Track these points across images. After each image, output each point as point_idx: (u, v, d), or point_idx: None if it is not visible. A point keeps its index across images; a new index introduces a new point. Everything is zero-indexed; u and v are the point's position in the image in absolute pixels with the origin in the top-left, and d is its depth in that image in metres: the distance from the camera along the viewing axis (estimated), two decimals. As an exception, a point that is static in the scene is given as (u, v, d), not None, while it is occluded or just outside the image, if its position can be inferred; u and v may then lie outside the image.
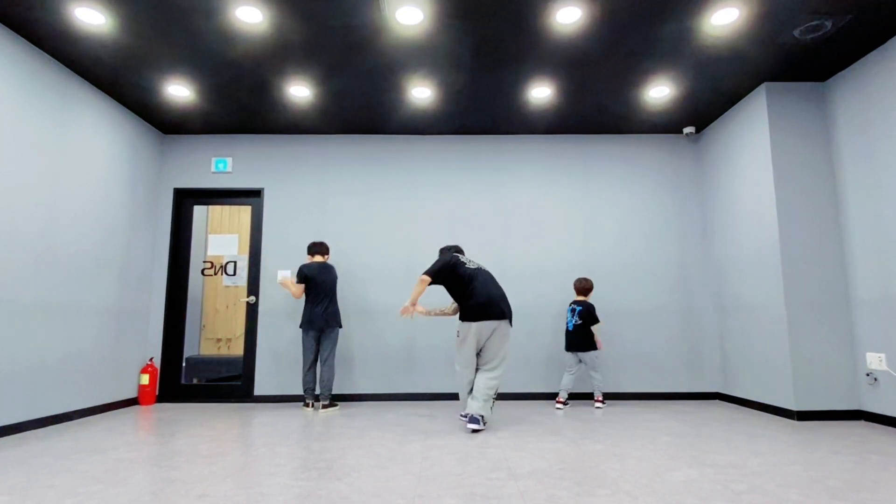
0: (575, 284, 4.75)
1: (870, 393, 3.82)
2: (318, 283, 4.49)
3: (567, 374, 4.60)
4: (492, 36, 3.58)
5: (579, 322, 4.55)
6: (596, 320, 4.58)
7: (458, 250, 4.14)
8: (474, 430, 3.58)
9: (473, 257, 5.18)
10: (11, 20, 3.39)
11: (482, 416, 3.59)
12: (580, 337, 4.53)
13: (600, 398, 4.55)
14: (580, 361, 4.61)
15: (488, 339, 3.73)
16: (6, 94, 3.47)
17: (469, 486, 2.34)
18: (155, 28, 3.47)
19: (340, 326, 4.58)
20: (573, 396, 4.98)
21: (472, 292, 3.77)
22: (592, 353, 4.55)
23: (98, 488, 2.33)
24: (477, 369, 3.82)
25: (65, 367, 3.97)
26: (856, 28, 3.50)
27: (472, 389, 3.77)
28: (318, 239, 5.18)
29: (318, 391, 4.89)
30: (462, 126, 5.14)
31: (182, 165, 5.27)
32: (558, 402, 4.53)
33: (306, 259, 5.11)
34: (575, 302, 4.66)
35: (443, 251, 4.15)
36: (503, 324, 3.74)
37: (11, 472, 2.61)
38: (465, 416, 3.90)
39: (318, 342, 4.53)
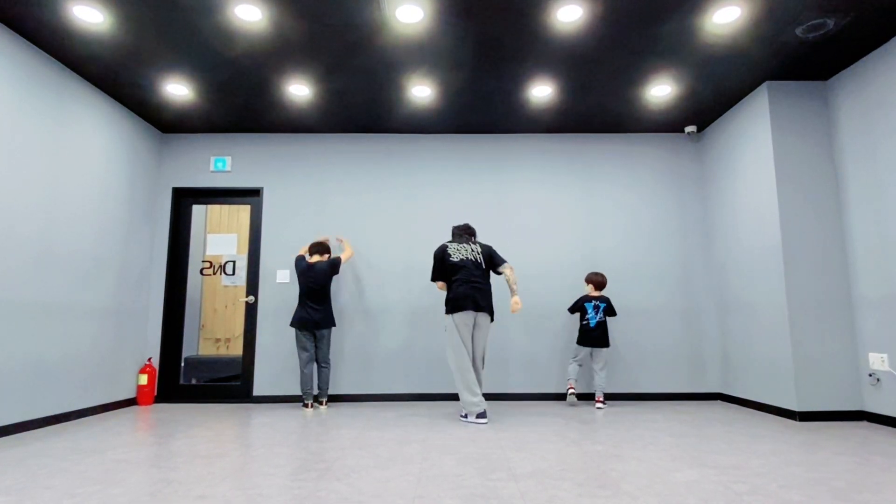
0: (593, 278, 4.75)
1: (872, 393, 3.80)
2: (302, 283, 4.55)
3: (575, 364, 4.64)
4: (492, 34, 3.56)
5: (603, 319, 4.61)
6: (614, 313, 4.71)
7: (465, 230, 4.23)
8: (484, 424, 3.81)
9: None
10: (9, 18, 3.37)
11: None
12: (602, 333, 4.60)
13: (601, 398, 4.54)
14: (590, 356, 4.65)
15: (473, 330, 3.93)
16: (4, 93, 3.45)
17: (469, 486, 2.33)
18: (153, 26, 3.45)
19: (334, 325, 4.62)
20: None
21: (451, 285, 3.99)
22: (609, 349, 4.64)
23: (96, 489, 2.31)
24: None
25: (63, 368, 3.95)
26: (858, 27, 3.48)
27: (480, 399, 3.86)
28: (317, 238, 5.16)
29: (316, 391, 4.86)
30: (462, 125, 5.13)
31: (181, 164, 5.25)
32: (570, 387, 4.59)
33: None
34: (596, 298, 4.68)
35: (452, 231, 4.30)
36: (480, 315, 3.92)
37: (9, 472, 2.59)
38: (465, 417, 3.90)
39: (314, 342, 4.54)
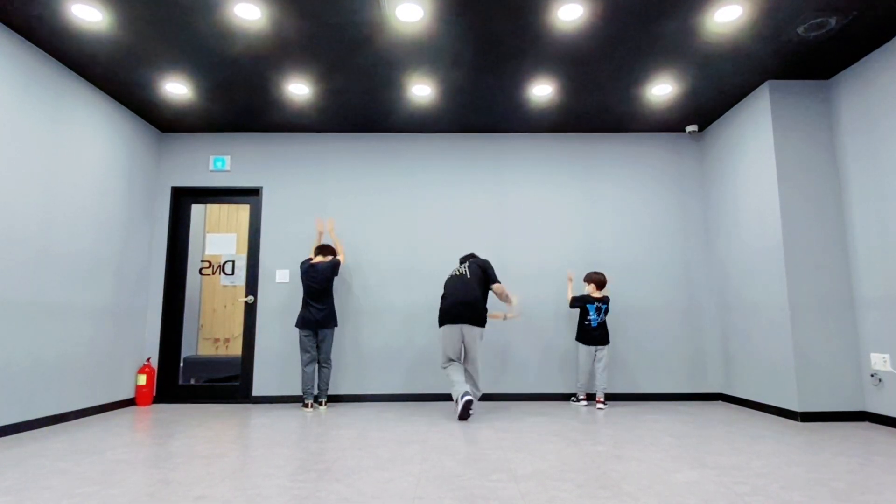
0: (595, 278, 4.75)
1: (874, 394, 3.79)
2: (304, 284, 4.58)
3: (584, 377, 4.69)
4: (492, 33, 3.55)
5: (603, 319, 4.67)
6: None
7: (466, 257, 4.49)
8: (469, 402, 3.88)
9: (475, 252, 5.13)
10: (7, 17, 3.36)
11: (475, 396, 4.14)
12: (604, 331, 4.65)
13: (602, 399, 4.53)
14: (594, 355, 4.67)
15: (463, 341, 4.12)
16: (2, 93, 3.44)
17: (469, 487, 2.31)
18: (152, 25, 3.44)
19: (336, 325, 4.64)
20: (568, 398, 4.95)
21: (442, 300, 4.23)
22: (609, 346, 4.71)
23: (94, 489, 2.30)
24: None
25: (61, 368, 3.93)
26: (860, 26, 3.47)
27: (460, 383, 4.02)
28: (316, 238, 5.15)
29: (316, 392, 4.85)
30: (463, 124, 5.11)
31: (180, 164, 5.24)
32: (583, 398, 4.72)
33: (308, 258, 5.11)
34: (598, 299, 4.69)
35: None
36: (466, 327, 4.09)
37: (7, 473, 2.58)
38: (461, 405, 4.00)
39: (316, 341, 4.55)
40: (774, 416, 4.10)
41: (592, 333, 4.63)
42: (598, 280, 4.73)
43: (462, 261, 4.47)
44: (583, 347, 4.67)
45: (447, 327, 4.11)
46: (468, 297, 4.10)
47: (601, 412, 4.32)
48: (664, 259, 5.14)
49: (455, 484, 2.37)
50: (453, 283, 4.20)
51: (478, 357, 4.14)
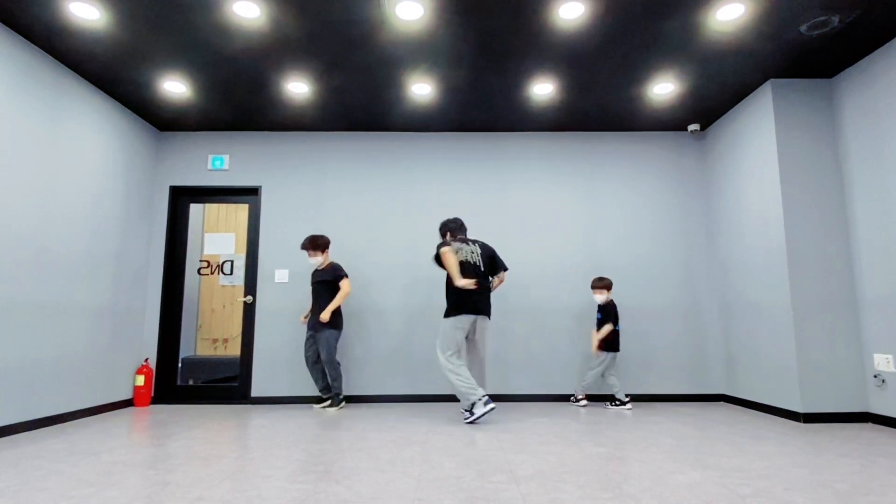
0: (610, 284, 4.69)
1: (877, 395, 3.77)
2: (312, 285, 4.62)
3: (593, 375, 4.63)
4: (493, 31, 3.52)
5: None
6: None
7: (462, 227, 4.27)
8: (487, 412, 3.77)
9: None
10: (4, 15, 3.34)
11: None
12: (611, 337, 4.62)
13: (624, 397, 4.57)
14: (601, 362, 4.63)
15: (472, 332, 4.04)
16: (-1, 90, 3.42)
17: (470, 489, 2.29)
18: (151, 23, 3.41)
19: (329, 329, 4.46)
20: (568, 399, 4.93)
21: (454, 289, 3.98)
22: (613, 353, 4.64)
23: (91, 491, 2.28)
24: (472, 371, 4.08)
25: (58, 368, 3.91)
26: (863, 24, 3.45)
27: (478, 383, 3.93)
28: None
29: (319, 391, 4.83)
30: (463, 123, 5.09)
31: (178, 163, 5.21)
32: (583, 398, 4.68)
33: (307, 257, 5.04)
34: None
35: (447, 226, 4.25)
36: (480, 318, 4.03)
37: (3, 474, 2.56)
38: (471, 413, 3.85)
39: (315, 344, 4.54)
40: (777, 417, 4.08)
41: (619, 339, 4.62)
42: (610, 285, 4.68)
43: (458, 228, 4.23)
44: (610, 356, 4.59)
45: (465, 317, 3.93)
46: (486, 288, 4.07)
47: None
48: (666, 259, 5.12)
49: (455, 485, 2.35)
50: (472, 273, 4.02)
51: (486, 353, 4.09)
